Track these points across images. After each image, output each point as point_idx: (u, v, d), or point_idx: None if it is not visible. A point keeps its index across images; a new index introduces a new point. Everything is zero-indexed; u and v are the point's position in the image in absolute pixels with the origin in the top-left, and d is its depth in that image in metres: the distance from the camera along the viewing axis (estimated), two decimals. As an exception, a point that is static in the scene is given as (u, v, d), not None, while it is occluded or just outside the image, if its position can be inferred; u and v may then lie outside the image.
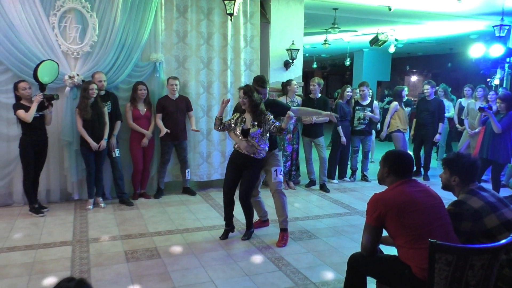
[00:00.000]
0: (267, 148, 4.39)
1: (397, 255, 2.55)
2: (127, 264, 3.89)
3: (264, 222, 4.98)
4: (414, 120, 7.78)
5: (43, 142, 5.20)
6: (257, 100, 4.24)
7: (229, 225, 4.64)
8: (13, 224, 4.91)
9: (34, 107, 4.90)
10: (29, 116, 4.88)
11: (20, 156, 5.09)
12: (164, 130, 5.83)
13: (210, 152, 6.54)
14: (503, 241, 2.20)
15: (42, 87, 5.01)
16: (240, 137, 4.32)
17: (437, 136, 7.44)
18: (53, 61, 5.12)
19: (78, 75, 5.51)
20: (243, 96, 4.24)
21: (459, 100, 8.21)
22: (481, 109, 6.00)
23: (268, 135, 4.35)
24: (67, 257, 4.02)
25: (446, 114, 8.25)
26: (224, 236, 4.59)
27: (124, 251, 4.18)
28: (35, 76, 4.91)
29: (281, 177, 4.55)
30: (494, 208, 2.55)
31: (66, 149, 5.60)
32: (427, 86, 7.49)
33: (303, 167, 7.12)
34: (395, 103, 7.49)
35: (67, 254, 4.08)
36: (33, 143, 5.05)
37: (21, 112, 4.90)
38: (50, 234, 4.61)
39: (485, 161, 5.94)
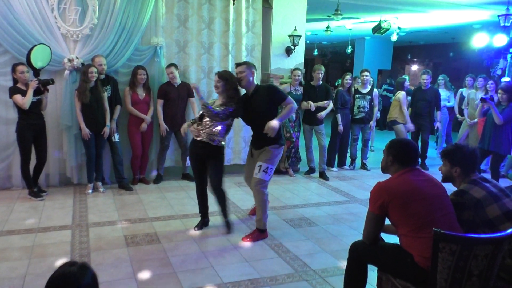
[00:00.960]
0: (220, 137, 4.12)
1: (399, 243, 2.54)
2: (127, 248, 3.88)
3: None
4: (410, 109, 7.77)
5: (41, 125, 5.16)
6: (233, 84, 4.03)
7: (205, 217, 4.47)
8: (12, 207, 4.89)
9: (30, 93, 4.85)
10: (26, 103, 4.84)
11: (18, 140, 5.05)
12: (163, 127, 5.84)
13: (210, 138, 6.50)
14: (509, 231, 2.19)
15: (36, 72, 4.96)
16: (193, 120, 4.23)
17: (437, 124, 7.42)
18: (45, 45, 5.06)
19: (77, 58, 5.44)
20: (217, 80, 4.05)
21: (460, 90, 8.18)
22: (483, 100, 5.98)
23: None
24: (67, 241, 4.01)
25: (447, 104, 8.24)
26: (199, 227, 4.39)
27: (124, 236, 4.17)
28: (29, 62, 4.85)
29: (264, 175, 4.08)
30: (496, 198, 2.55)
31: (66, 133, 5.56)
32: (425, 76, 7.46)
33: (302, 155, 7.11)
34: (403, 93, 7.44)
35: (66, 238, 4.08)
36: (31, 127, 5.01)
37: (18, 98, 4.85)
38: (49, 218, 4.60)
39: (484, 152, 5.94)
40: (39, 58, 4.92)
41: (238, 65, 4.20)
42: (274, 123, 3.94)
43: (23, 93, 4.87)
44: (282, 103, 4.14)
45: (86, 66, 5.22)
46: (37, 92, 4.96)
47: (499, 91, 5.95)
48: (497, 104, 5.92)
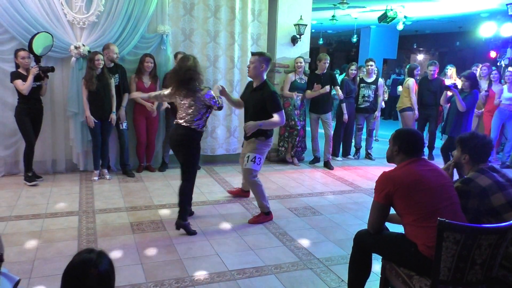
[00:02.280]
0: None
1: (403, 232, 2.56)
2: (133, 235, 3.93)
3: (245, 192, 5.08)
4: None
5: (38, 110, 5.23)
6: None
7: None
8: (19, 193, 4.95)
9: (30, 79, 4.93)
10: (26, 89, 4.93)
11: (18, 125, 5.13)
12: (164, 105, 5.84)
13: (214, 127, 6.52)
14: (512, 221, 2.21)
15: (37, 59, 5.02)
16: None
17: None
18: (47, 32, 5.09)
19: (84, 45, 5.45)
20: None
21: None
22: (446, 88, 6.03)
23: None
24: (74, 227, 4.06)
25: None
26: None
27: (130, 223, 4.22)
28: (30, 49, 4.91)
29: (252, 164, 4.25)
30: (502, 187, 2.57)
31: (72, 120, 5.59)
32: (432, 67, 7.42)
33: (308, 144, 7.12)
34: (412, 79, 7.43)
35: (73, 224, 4.13)
36: (28, 112, 5.09)
37: (18, 83, 4.93)
38: (56, 204, 4.65)
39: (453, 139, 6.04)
40: (40, 45, 4.99)
41: (252, 54, 4.36)
42: (252, 124, 4.10)
43: (24, 78, 4.95)
44: (272, 112, 4.11)
45: (93, 53, 5.24)
46: (37, 78, 5.03)
47: (462, 78, 6.03)
48: (460, 91, 5.96)
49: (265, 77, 4.26)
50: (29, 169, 5.26)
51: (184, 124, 3.95)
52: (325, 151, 6.86)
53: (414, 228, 2.45)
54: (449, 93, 6.05)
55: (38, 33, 4.98)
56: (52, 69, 5.10)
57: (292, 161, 6.85)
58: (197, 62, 3.96)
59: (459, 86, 6.01)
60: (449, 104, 6.20)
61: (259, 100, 4.18)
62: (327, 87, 6.43)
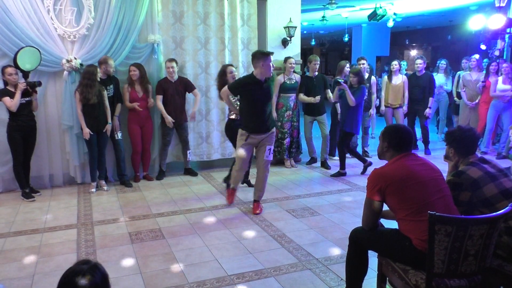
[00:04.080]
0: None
1: (397, 228, 2.58)
2: (132, 245, 3.94)
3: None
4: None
5: (30, 127, 5.20)
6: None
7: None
8: (18, 209, 4.96)
9: (17, 95, 4.92)
10: (13, 106, 4.92)
11: (8, 141, 5.12)
12: (168, 118, 5.88)
13: (209, 132, 6.55)
14: (501, 211, 2.23)
15: (25, 74, 5.02)
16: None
17: (427, 110, 7.44)
18: (34, 47, 5.08)
19: (75, 58, 5.48)
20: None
21: (458, 73, 8.16)
22: (337, 83, 6.12)
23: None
24: (73, 240, 4.07)
25: (445, 87, 8.22)
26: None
27: (129, 233, 4.23)
28: (16, 65, 4.91)
29: (271, 156, 4.77)
30: (493, 177, 2.59)
31: (67, 133, 5.61)
32: (419, 61, 7.47)
33: (304, 145, 7.13)
34: (384, 77, 7.66)
35: (72, 237, 4.14)
36: (19, 128, 5.08)
37: (6, 100, 4.93)
38: (55, 218, 4.66)
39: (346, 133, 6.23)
40: (26, 61, 4.97)
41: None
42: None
43: (12, 95, 4.94)
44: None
45: (94, 67, 5.25)
46: (26, 94, 5.03)
47: (350, 74, 6.18)
48: (350, 86, 6.06)
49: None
50: (25, 186, 5.27)
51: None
52: (322, 151, 6.88)
53: (407, 222, 2.46)
54: (340, 88, 6.17)
55: (22, 48, 4.97)
56: (39, 84, 5.09)
57: (285, 163, 6.82)
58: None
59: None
60: (340, 99, 6.32)
61: (270, 88, 4.67)
62: (318, 98, 6.47)
